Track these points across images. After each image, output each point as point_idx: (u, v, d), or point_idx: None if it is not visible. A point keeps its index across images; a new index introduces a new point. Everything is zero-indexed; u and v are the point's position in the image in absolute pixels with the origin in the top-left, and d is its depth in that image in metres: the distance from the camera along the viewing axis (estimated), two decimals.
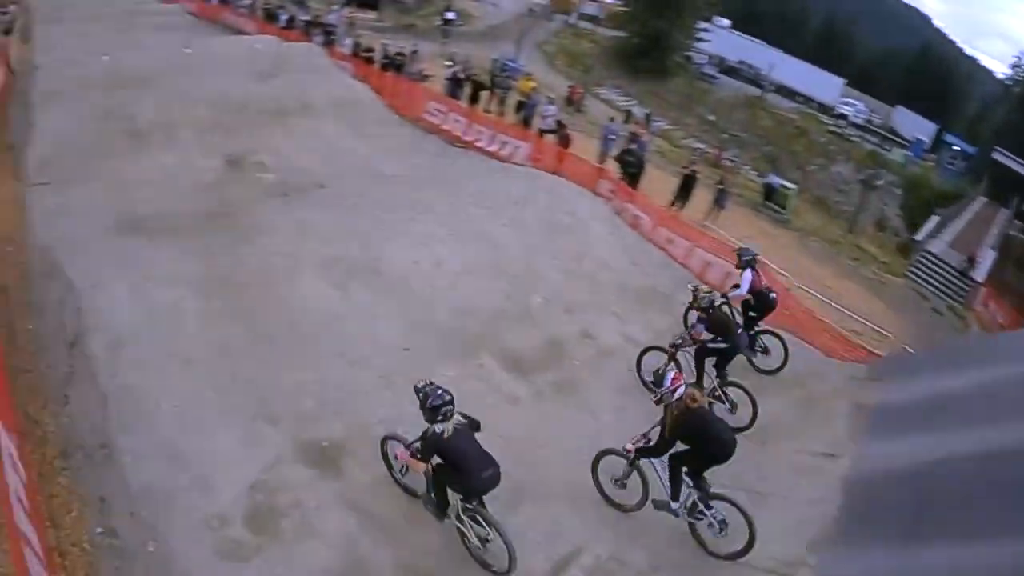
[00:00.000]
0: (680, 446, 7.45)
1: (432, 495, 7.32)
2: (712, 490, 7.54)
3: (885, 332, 15.41)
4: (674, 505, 7.72)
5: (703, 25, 47.52)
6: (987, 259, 26.92)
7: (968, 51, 62.31)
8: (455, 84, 22.85)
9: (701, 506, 7.51)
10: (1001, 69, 53.89)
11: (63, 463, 7.43)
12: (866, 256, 24.82)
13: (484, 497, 7.05)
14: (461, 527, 7.18)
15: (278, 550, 6.99)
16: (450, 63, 24.61)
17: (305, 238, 11.68)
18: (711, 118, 43.20)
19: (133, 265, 10.21)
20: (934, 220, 31.97)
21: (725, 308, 10.85)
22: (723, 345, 10.01)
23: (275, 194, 14.34)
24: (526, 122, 21.14)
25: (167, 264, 10.41)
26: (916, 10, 64.83)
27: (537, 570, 7.26)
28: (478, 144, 19.12)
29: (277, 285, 10.54)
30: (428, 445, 6.81)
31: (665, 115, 40.31)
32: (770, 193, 26.04)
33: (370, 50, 25.36)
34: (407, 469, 7.60)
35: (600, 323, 11.68)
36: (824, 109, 49.53)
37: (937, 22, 72.84)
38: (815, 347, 12.27)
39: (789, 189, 26.43)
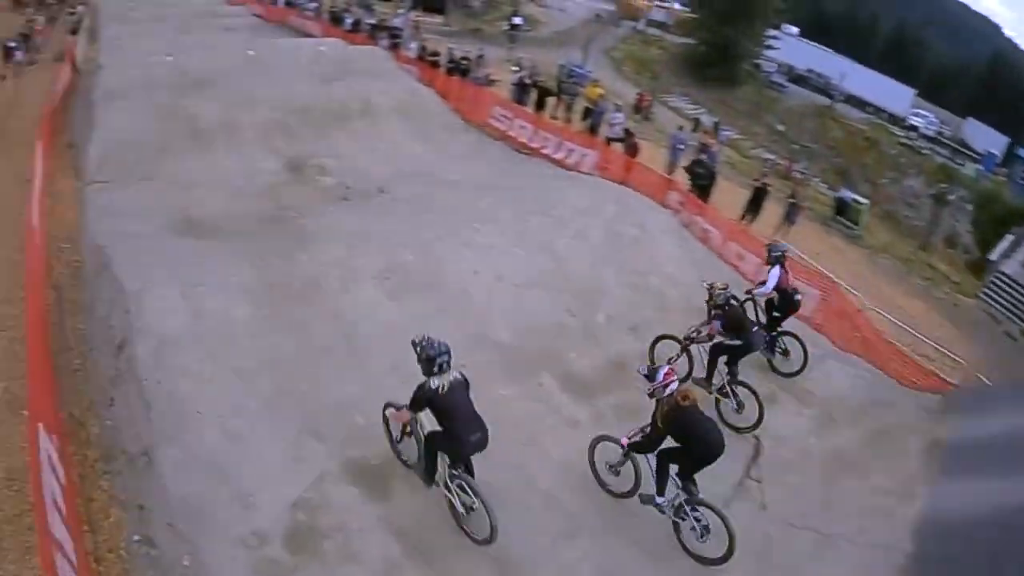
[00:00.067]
0: (670, 443, 7.48)
1: (422, 460, 7.40)
2: (701, 497, 7.55)
3: (958, 358, 14.54)
4: (659, 500, 7.77)
5: (772, 32, 46.78)
6: None
7: None
8: (521, 90, 22.61)
9: (687, 508, 7.56)
10: None
11: (105, 467, 7.29)
12: (937, 275, 23.84)
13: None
14: (448, 494, 7.28)
15: (317, 573, 6.68)
16: (516, 68, 24.43)
17: (363, 245, 11.31)
18: (780, 128, 42.39)
19: (185, 268, 9.99)
20: (1008, 239, 30.46)
21: (737, 304, 10.41)
22: (737, 343, 9.80)
23: (334, 198, 14.18)
24: (593, 130, 20.68)
25: (220, 268, 10.14)
26: (986, 18, 63.36)
27: None
28: (544, 151, 18.75)
29: (331, 294, 10.21)
30: (421, 398, 6.87)
31: (733, 124, 39.69)
32: (842, 208, 25.15)
33: (436, 54, 25.30)
34: (402, 437, 7.81)
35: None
36: (894, 120, 48.39)
37: (1008, 31, 70.48)
38: (886, 373, 11.57)
39: (861, 204, 25.52)
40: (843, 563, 7.67)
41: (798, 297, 11.21)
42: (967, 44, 60.37)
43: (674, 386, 7.36)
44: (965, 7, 63.56)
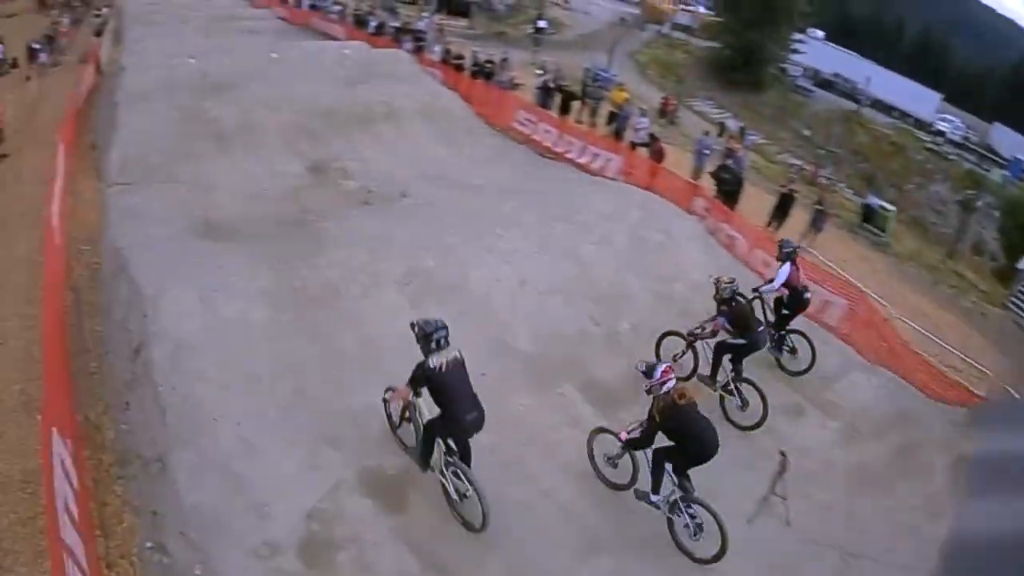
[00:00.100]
0: (665, 441, 7.50)
1: (419, 445, 7.45)
2: (696, 495, 7.53)
3: (985, 369, 14.15)
4: (654, 497, 7.75)
5: (797, 36, 46.34)
6: None
7: None
8: (545, 93, 22.41)
9: (681, 505, 7.56)
10: None
11: (119, 471, 7.21)
12: (964, 283, 23.23)
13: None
14: (443, 480, 7.37)
15: None
16: (541, 72, 24.26)
17: (384, 249, 11.18)
18: (806, 133, 41.98)
19: (204, 271, 9.89)
20: None
21: (744, 301, 10.33)
22: (741, 341, 9.72)
23: (356, 202, 14.06)
24: (618, 134, 20.35)
25: (239, 272, 10.03)
26: (1012, 22, 61.95)
27: None
28: (568, 156, 18.50)
29: (351, 298, 10.09)
30: (420, 376, 6.95)
31: (759, 129, 39.25)
32: (869, 214, 24.56)
33: (460, 57, 25.17)
34: (401, 422, 7.88)
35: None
36: (920, 125, 47.68)
37: None
38: (912, 385, 11.25)
39: (889, 211, 24.83)
40: None
41: (808, 295, 11.10)
42: (993, 48, 59.48)
43: (671, 384, 7.38)
44: (991, 11, 62.58)
